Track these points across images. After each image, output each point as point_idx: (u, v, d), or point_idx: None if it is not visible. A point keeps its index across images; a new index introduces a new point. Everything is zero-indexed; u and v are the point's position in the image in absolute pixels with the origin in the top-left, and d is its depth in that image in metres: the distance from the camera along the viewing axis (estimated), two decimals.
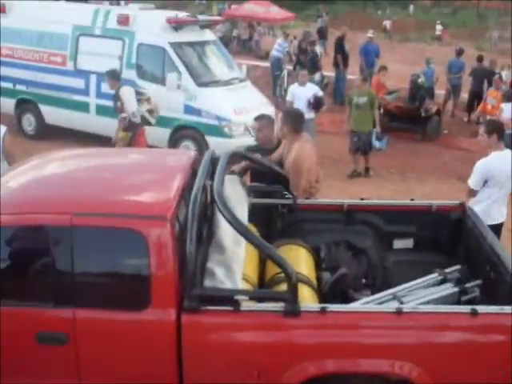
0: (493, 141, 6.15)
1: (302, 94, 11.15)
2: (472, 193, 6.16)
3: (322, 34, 21.39)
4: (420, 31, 36.93)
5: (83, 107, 11.87)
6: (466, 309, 3.99)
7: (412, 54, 26.47)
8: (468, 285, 4.71)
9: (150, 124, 9.21)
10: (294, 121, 5.95)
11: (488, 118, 10.76)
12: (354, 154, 11.22)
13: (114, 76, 9.33)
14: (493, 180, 6.08)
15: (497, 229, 5.98)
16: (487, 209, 6.07)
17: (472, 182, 6.15)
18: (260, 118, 6.34)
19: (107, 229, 3.92)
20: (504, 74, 16.38)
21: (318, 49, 17.73)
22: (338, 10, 43.52)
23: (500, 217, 6.24)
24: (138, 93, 9.16)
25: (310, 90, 11.29)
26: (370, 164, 11.29)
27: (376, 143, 11.24)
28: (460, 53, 16.53)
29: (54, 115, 12.25)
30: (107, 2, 13.85)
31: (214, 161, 4.79)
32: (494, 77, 14.80)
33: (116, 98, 9.16)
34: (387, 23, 35.27)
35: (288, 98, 11.51)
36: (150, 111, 9.10)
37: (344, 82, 16.94)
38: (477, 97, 15.54)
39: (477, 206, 5.92)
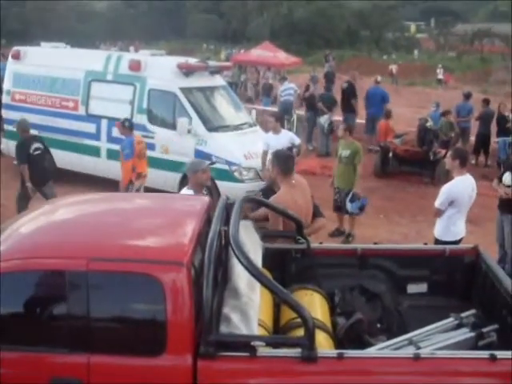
0: (455, 165, 6.83)
1: (276, 142, 9.79)
2: (439, 212, 6.87)
3: (329, 79, 21.60)
4: (425, 75, 37.40)
5: (94, 151, 12.01)
6: (485, 354, 3.95)
7: (417, 98, 26.76)
8: (485, 329, 4.67)
9: None
10: (282, 163, 5.97)
11: None
12: (336, 211, 10.04)
13: None
14: (457, 201, 6.78)
15: (457, 244, 6.60)
16: (449, 226, 6.82)
17: (438, 202, 6.84)
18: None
19: (123, 274, 3.92)
20: None
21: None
22: (344, 55, 44.19)
23: (461, 232, 6.91)
24: None
25: (285, 138, 10.32)
26: (352, 228, 9.98)
27: (348, 205, 9.60)
28: (468, 96, 16.66)
29: (65, 159, 12.36)
30: (117, 48, 14.10)
31: (228, 206, 4.82)
32: (504, 120, 14.90)
33: None
34: (393, 67, 35.69)
35: (263, 147, 10.20)
36: None
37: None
38: (484, 140, 15.62)
39: (441, 223, 6.86)
